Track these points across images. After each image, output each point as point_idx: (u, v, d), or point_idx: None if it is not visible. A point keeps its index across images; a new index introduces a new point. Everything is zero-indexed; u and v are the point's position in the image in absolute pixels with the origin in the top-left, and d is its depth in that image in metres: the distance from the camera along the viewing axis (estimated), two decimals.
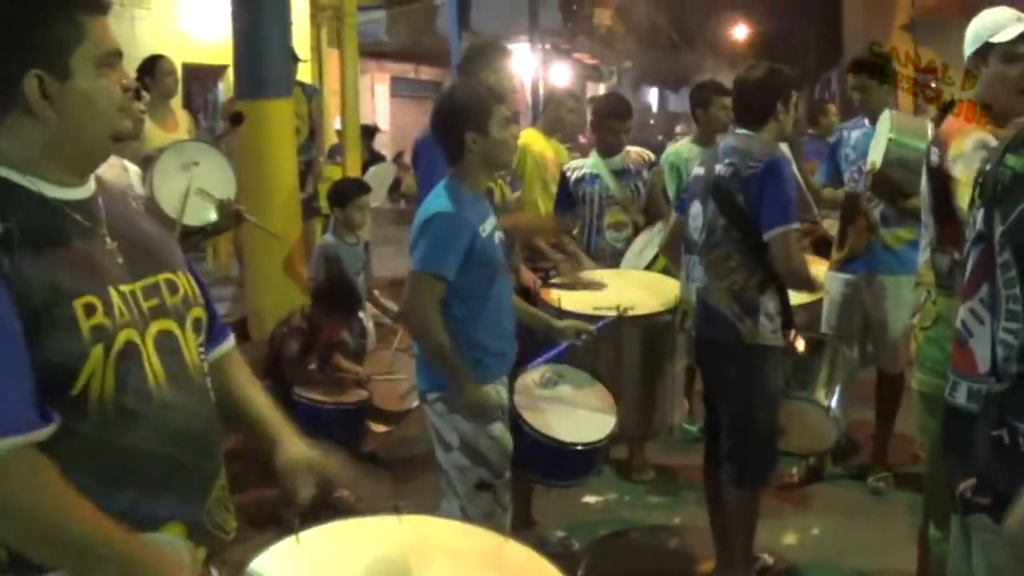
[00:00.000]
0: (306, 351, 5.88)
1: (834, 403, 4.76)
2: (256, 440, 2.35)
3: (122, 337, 1.90)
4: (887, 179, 5.25)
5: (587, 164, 6.33)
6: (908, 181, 5.19)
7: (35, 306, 1.80)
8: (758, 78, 4.57)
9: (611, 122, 6.31)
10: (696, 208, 4.58)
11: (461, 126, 3.92)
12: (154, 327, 1.99)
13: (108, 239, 1.99)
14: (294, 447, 2.29)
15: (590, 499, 5.88)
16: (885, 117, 5.33)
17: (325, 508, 2.35)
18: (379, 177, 9.42)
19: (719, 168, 4.45)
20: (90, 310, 1.87)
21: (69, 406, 1.84)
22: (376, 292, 6.92)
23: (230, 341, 2.39)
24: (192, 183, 4.97)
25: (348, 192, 6.63)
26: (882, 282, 5.84)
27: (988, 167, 2.44)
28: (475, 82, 4.47)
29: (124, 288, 1.95)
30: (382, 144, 19.84)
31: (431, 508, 3.75)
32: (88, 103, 1.94)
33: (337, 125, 13.18)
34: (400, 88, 26.60)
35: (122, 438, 1.91)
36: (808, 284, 4.73)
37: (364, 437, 6.07)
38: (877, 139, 5.34)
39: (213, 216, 5.08)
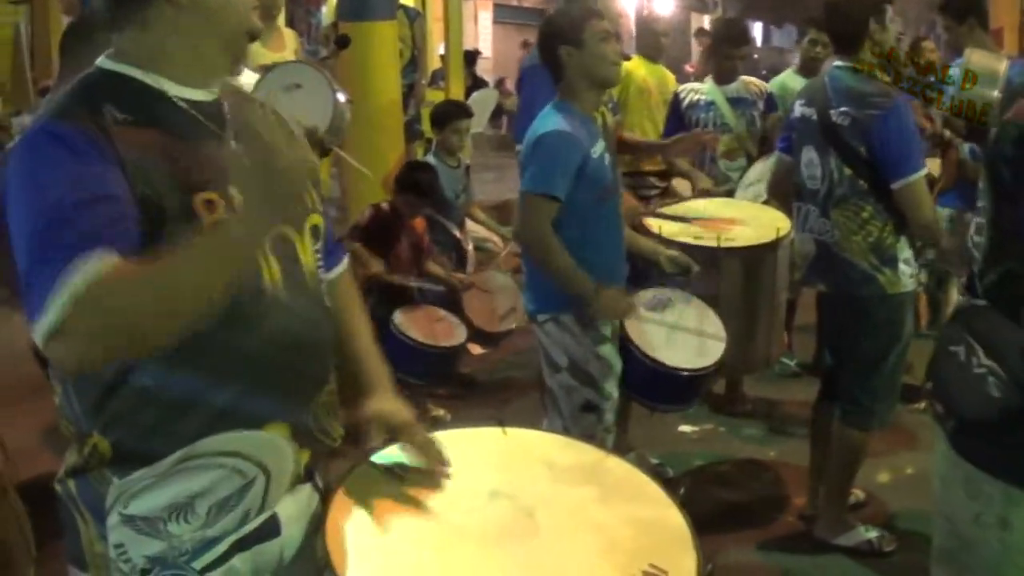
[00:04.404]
0: (392, 240, 5.86)
1: None
2: (351, 377, 2.33)
3: None
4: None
5: (702, 90, 6.17)
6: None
7: (156, 199, 1.80)
8: None
9: (726, 47, 6.16)
10: (811, 155, 4.37)
11: (556, 41, 3.92)
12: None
13: (232, 141, 1.99)
14: (385, 401, 2.27)
15: (686, 428, 5.88)
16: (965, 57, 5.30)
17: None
18: (481, 102, 9.40)
19: (835, 116, 4.23)
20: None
21: None
22: (477, 211, 6.94)
23: (343, 263, 2.37)
24: (285, 107, 4.88)
25: (448, 114, 6.63)
26: (971, 218, 5.69)
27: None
28: (576, 4, 4.40)
29: None
30: (484, 70, 19.75)
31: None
32: None
33: (441, 50, 13.16)
34: (503, 15, 26.44)
35: (232, 335, 1.89)
36: (937, 237, 4.62)
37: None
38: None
39: None
